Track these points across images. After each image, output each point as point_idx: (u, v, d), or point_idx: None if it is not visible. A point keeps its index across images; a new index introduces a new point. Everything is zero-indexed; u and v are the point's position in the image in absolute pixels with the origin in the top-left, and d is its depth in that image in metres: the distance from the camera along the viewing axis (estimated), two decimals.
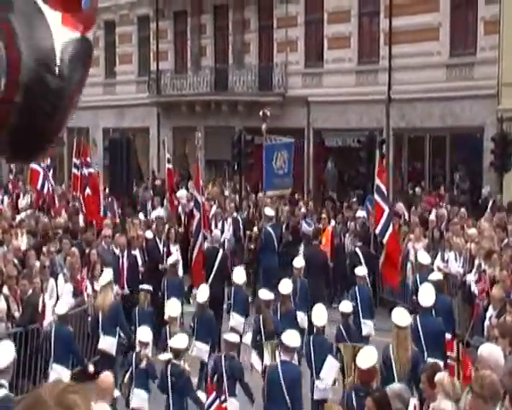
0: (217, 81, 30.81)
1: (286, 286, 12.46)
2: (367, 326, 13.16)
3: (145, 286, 13.02)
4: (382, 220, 15.52)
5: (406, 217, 19.57)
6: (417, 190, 24.43)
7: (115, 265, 14.89)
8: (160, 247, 16.60)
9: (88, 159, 21.03)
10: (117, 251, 15.45)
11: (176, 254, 15.91)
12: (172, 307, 11.76)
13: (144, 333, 10.76)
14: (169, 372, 9.83)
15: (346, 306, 11.95)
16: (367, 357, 8.91)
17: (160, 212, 20.69)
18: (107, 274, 12.99)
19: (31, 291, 12.37)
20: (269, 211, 18.59)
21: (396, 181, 26.39)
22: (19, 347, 11.03)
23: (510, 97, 22.59)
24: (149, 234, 16.95)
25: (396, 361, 9.63)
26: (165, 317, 12.02)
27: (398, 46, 25.51)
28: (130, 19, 35.00)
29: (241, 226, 20.26)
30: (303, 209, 20.89)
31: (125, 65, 35.33)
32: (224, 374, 10.11)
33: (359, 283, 13.53)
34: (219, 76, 30.82)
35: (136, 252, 15.89)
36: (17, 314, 12.20)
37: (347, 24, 27.19)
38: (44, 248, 14.54)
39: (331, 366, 10.77)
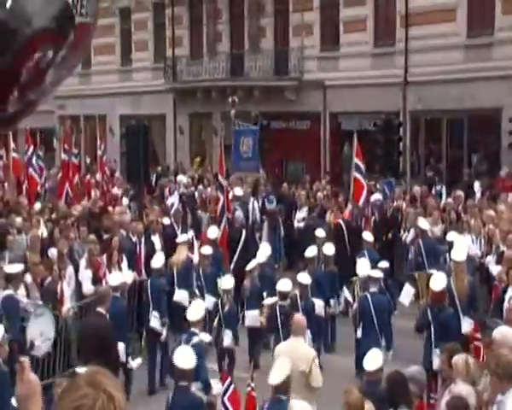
0: (233, 67, 30.76)
1: (330, 248, 14.13)
2: None
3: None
4: (363, 196, 17.07)
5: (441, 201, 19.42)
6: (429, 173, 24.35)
7: (132, 252, 14.99)
8: (178, 233, 16.65)
9: (66, 146, 20.90)
10: (134, 238, 15.49)
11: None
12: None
13: (227, 282, 12.31)
14: (278, 312, 11.45)
15: (376, 272, 12.92)
16: (439, 281, 10.90)
17: (176, 198, 20.77)
18: (184, 235, 14.82)
19: (50, 279, 12.46)
20: (238, 191, 19.52)
21: (413, 164, 26.28)
22: None
23: None
24: (166, 220, 17.01)
25: (456, 290, 11.43)
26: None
27: (415, 28, 25.30)
28: (146, 5, 34.98)
29: (258, 212, 20.34)
30: (319, 194, 20.84)
31: (141, 52, 35.35)
32: (301, 311, 11.35)
33: (367, 247, 14.86)
34: (235, 61, 30.76)
35: (156, 237, 15.92)
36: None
37: (363, 7, 27.00)
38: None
39: (408, 292, 13.53)
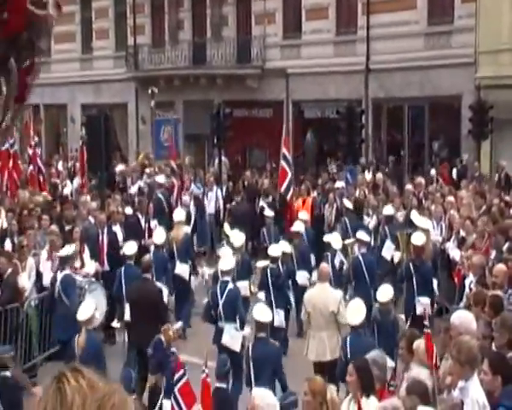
0: (195, 55, 30.58)
1: (299, 226, 14.96)
2: None
3: None
4: (286, 182, 18.09)
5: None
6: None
7: (95, 242, 14.84)
8: (142, 222, 16.54)
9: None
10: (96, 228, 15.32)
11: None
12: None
13: (224, 251, 13.34)
14: (269, 274, 12.55)
15: (363, 235, 13.84)
16: (420, 237, 12.55)
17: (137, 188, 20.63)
18: (181, 212, 15.80)
19: (10, 270, 12.27)
20: (161, 179, 19.90)
21: (375, 151, 26.46)
22: None
23: (487, 65, 22.68)
24: (129, 210, 16.87)
25: None
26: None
27: (376, 16, 25.44)
28: None
29: (221, 200, 20.34)
30: None
31: (102, 40, 34.96)
32: (270, 283, 12.62)
33: (305, 226, 15.62)
34: (197, 49, 30.59)
35: (117, 228, 15.76)
36: None
37: None
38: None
39: (389, 247, 14.94)
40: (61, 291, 11.87)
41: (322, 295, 11.14)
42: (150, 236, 16.15)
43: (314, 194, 19.79)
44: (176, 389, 7.18)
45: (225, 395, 8.75)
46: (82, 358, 8.99)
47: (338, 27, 27.14)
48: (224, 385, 8.78)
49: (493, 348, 7.29)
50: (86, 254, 14.18)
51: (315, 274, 13.95)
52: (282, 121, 28.27)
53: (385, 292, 10.45)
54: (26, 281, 12.38)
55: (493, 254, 12.37)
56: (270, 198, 19.58)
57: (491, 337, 7.40)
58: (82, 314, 9.76)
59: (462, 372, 6.35)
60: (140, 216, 16.75)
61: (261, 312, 9.86)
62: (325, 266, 11.88)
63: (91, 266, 13.86)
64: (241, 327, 11.16)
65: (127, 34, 33.63)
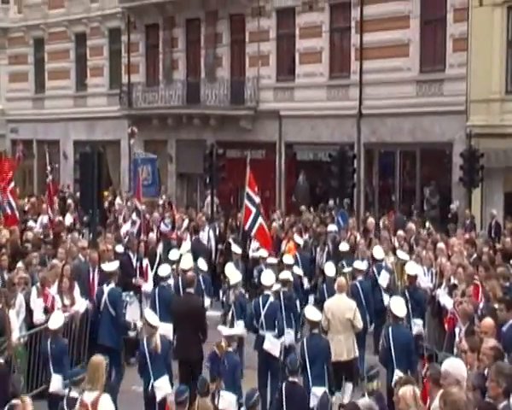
0: (189, 94, 30.81)
1: (289, 259, 15.67)
2: None
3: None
4: (250, 219, 18.19)
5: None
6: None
7: (85, 279, 14.76)
8: (134, 261, 16.46)
9: None
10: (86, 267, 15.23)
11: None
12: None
13: (234, 276, 13.87)
14: (282, 297, 13.37)
15: (360, 264, 14.96)
16: (413, 267, 14.39)
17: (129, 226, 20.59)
18: (187, 244, 17.13)
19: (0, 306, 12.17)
20: (134, 216, 20.33)
21: (367, 196, 26.59)
22: None
23: (478, 114, 22.98)
24: (120, 248, 16.80)
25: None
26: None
27: (369, 61, 25.76)
28: (102, 31, 34.92)
29: (214, 240, 20.34)
30: (274, 224, 20.89)
31: (96, 77, 35.20)
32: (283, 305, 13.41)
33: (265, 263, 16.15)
34: (191, 89, 30.83)
35: (105, 266, 15.63)
36: None
37: (319, 39, 27.41)
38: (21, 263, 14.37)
39: (385, 276, 15.65)
40: (108, 303, 12.75)
41: (339, 304, 12.78)
42: (142, 274, 16.12)
43: (306, 237, 19.80)
44: None
45: (299, 388, 10.00)
46: (153, 356, 10.59)
47: (331, 71, 27.46)
48: (296, 379, 9.93)
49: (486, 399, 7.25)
50: (76, 291, 14.09)
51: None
52: (274, 163, 28.48)
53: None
54: (14, 318, 12.24)
55: (482, 303, 12.36)
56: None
57: (484, 389, 7.37)
58: (156, 321, 10.93)
59: None
60: (131, 255, 16.67)
61: (313, 312, 11.45)
62: (342, 279, 13.28)
63: (82, 304, 13.78)
64: (280, 335, 12.69)
65: (121, 72, 33.89)
